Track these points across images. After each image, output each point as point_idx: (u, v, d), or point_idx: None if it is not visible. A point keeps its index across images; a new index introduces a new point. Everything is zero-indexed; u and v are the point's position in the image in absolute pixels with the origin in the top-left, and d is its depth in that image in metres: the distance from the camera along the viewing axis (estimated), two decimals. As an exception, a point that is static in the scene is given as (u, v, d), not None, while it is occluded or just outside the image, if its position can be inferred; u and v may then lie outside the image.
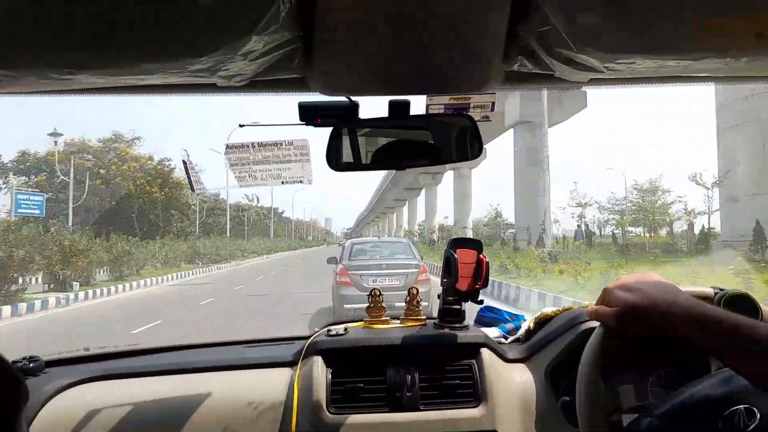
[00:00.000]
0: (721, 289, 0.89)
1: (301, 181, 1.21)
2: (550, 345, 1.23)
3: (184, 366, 1.30)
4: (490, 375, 1.18)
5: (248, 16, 0.58)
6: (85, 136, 34.11)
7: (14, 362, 1.29)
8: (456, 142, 1.12)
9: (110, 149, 34.04)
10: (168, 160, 37.18)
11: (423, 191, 56.37)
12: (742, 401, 0.75)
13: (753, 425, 0.71)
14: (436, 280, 1.41)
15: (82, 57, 0.64)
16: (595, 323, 1.01)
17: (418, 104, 1.08)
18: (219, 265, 26.96)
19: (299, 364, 1.23)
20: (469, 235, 31.37)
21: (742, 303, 0.86)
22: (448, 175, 45.28)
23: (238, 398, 1.20)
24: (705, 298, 0.85)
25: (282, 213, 74.59)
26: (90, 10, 0.57)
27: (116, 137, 33.84)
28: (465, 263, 1.16)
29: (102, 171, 32.69)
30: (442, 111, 1.12)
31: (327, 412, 1.14)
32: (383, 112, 1.03)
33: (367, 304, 1.33)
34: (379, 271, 8.57)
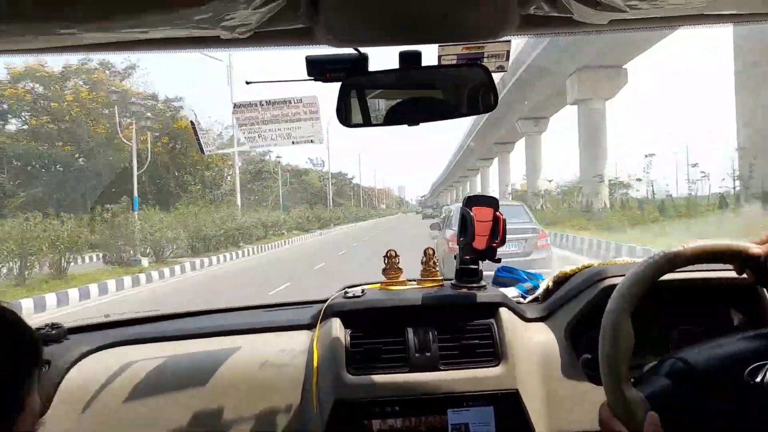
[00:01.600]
0: None
1: (312, 141, 1.41)
2: (570, 303, 1.49)
3: (204, 330, 1.60)
4: (510, 334, 1.43)
5: None
6: (42, 60, 27.07)
7: (36, 329, 1.54)
8: (470, 94, 1.32)
9: (73, 75, 27.75)
10: (178, 100, 33.02)
11: (518, 144, 53.26)
12: (766, 357, 0.93)
13: None
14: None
15: (81, 9, 0.74)
16: (616, 280, 1.22)
17: (430, 56, 1.29)
18: (197, 261, 17.64)
19: (318, 326, 1.51)
20: (605, 198, 29.42)
21: None
22: (557, 119, 42.50)
23: (258, 361, 1.47)
24: (751, 255, 1.04)
25: (351, 179, 76.16)
26: None
27: (102, 65, 29.58)
28: (481, 221, 1.40)
29: (54, 104, 26.79)
30: (455, 62, 1.32)
31: (347, 373, 1.40)
32: (394, 63, 1.22)
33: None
34: None
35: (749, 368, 0.92)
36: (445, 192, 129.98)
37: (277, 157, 43.89)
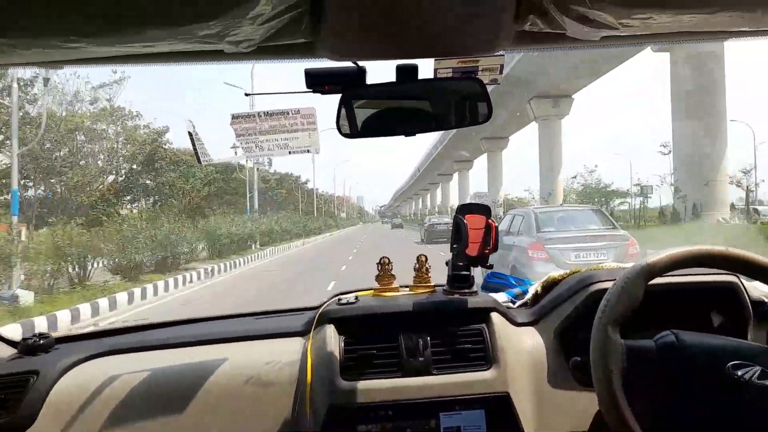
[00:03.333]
0: None
1: (308, 151, 1.64)
2: (559, 308, 1.90)
3: (195, 338, 1.91)
4: (501, 338, 1.80)
5: None
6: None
7: (24, 339, 1.85)
8: (465, 106, 1.64)
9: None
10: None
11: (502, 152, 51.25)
12: (754, 361, 1.25)
13: (766, 382, 1.20)
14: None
15: (85, 24, 0.87)
16: (605, 285, 1.54)
17: (426, 69, 1.55)
18: None
19: (311, 332, 1.85)
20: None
21: None
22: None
23: (252, 367, 1.78)
24: None
25: (305, 183, 76.33)
26: None
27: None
28: (474, 229, 1.69)
29: None
30: (450, 75, 1.58)
31: (341, 379, 1.70)
32: (391, 76, 1.48)
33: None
34: (583, 243, 10.57)
35: (732, 362, 1.25)
36: (407, 202, 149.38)
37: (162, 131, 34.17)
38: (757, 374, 1.22)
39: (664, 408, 1.30)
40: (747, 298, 1.82)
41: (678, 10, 0.96)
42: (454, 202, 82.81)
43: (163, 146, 34.34)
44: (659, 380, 1.30)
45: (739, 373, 1.23)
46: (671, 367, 1.29)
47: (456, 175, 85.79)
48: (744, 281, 1.85)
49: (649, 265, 1.35)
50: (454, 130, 53.89)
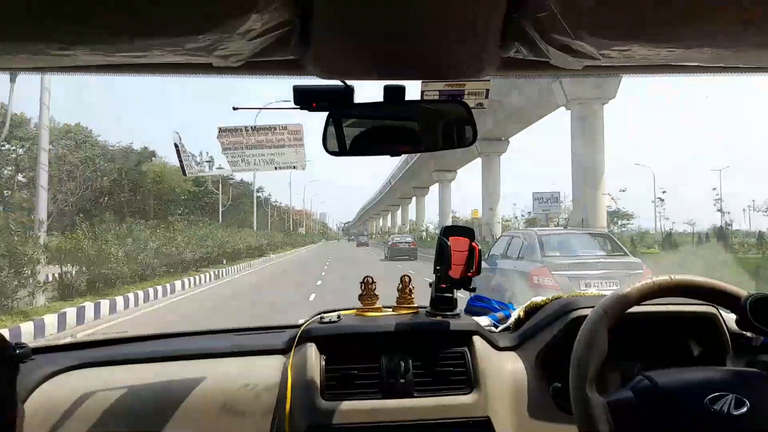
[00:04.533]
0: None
1: (294, 167, 1.71)
2: (541, 333, 2.09)
3: (174, 353, 2.06)
4: (483, 362, 1.97)
5: None
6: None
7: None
8: (450, 128, 1.74)
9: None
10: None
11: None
12: (727, 390, 1.32)
13: (742, 411, 1.28)
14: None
15: (76, 32, 0.94)
16: (587, 311, 1.65)
17: (413, 90, 1.73)
18: None
19: (293, 350, 1.99)
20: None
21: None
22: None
23: (230, 384, 1.91)
24: (735, 297, 1.47)
25: (259, 191, 70.31)
26: None
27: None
28: (457, 251, 1.78)
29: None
30: (437, 97, 1.68)
31: (321, 398, 1.85)
32: (378, 97, 1.61)
33: None
34: (594, 271, 9.98)
35: (710, 396, 1.32)
36: (373, 219, 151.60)
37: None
38: (733, 403, 1.28)
39: None
40: (726, 329, 1.92)
41: (655, 44, 1.04)
42: (432, 218, 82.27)
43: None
44: (644, 426, 1.33)
45: (716, 407, 1.28)
46: (653, 411, 1.33)
47: (436, 188, 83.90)
48: (723, 313, 1.97)
49: (604, 311, 1.43)
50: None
